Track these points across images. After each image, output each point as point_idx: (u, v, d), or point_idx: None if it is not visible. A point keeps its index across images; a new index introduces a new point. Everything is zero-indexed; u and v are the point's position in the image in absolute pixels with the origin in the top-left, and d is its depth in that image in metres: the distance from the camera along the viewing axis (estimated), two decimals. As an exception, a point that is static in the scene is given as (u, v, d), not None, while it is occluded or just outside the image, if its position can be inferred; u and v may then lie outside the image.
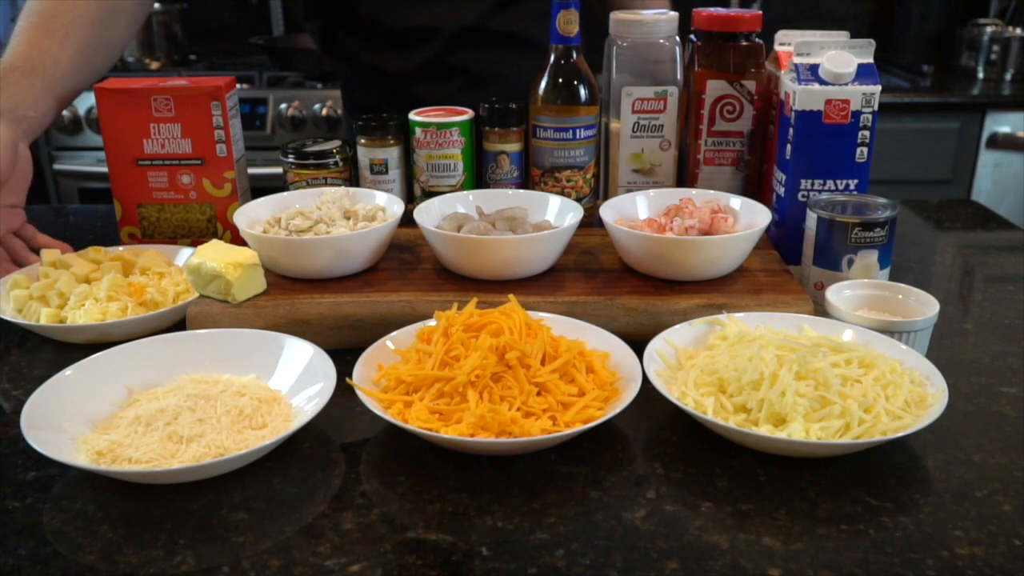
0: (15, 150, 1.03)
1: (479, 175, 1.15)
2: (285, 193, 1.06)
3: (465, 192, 1.07)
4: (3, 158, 1.01)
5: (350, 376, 0.76)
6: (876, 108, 0.95)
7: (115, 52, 1.18)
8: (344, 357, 0.80)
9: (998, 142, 2.48)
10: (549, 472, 0.71)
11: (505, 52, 1.33)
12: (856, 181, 0.98)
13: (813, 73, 0.96)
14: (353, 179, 1.14)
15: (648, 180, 1.11)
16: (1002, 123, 2.47)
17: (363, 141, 1.12)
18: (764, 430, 0.70)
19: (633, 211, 1.03)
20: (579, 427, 0.70)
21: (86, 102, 2.49)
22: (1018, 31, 2.64)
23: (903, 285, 0.89)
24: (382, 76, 1.36)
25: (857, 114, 0.95)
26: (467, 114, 1.11)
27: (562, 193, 1.08)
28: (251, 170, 1.22)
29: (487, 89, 1.30)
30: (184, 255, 1.05)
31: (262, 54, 2.77)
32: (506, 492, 0.69)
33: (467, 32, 1.31)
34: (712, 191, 1.04)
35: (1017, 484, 0.69)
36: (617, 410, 0.72)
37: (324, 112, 2.40)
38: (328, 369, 0.78)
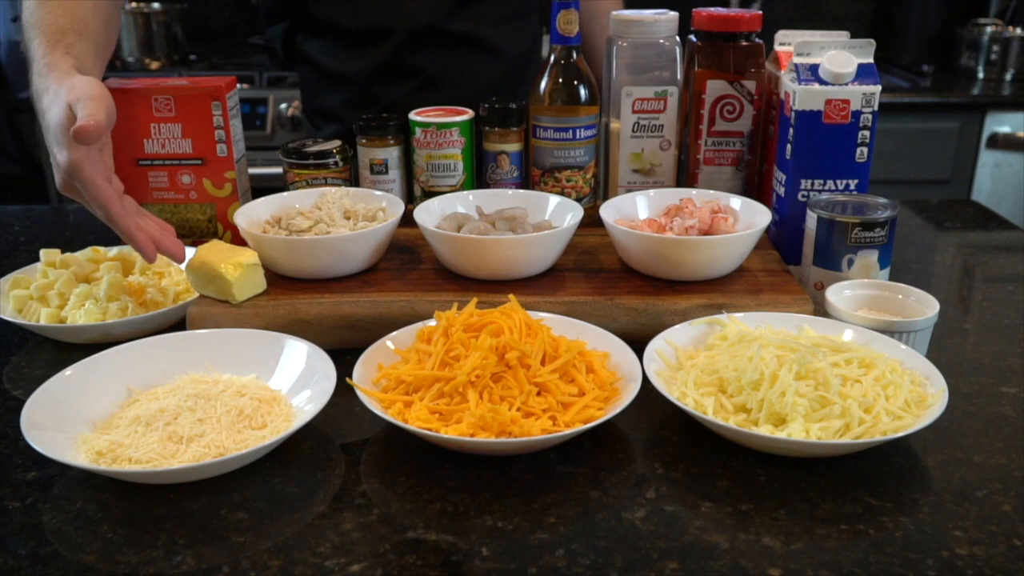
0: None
1: (479, 175, 1.15)
2: (285, 193, 1.06)
3: (465, 192, 1.07)
4: (110, 102, 0.91)
5: (350, 376, 0.76)
6: (876, 108, 0.95)
7: (112, 44, 1.13)
8: (344, 357, 0.80)
9: (998, 142, 2.47)
10: (549, 472, 0.71)
11: (462, 54, 1.31)
12: (856, 181, 0.98)
13: (813, 73, 0.96)
14: (353, 179, 1.14)
15: (648, 180, 1.11)
16: (1002, 123, 2.46)
17: (363, 141, 1.12)
18: (764, 430, 0.70)
19: (633, 211, 1.03)
20: (579, 427, 0.70)
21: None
22: (1018, 31, 2.63)
23: (903, 285, 0.89)
24: (340, 78, 1.35)
25: (857, 114, 0.95)
26: (467, 114, 1.11)
27: (562, 193, 1.08)
28: (251, 170, 1.21)
29: (443, 91, 1.29)
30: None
31: (262, 54, 2.76)
32: (506, 492, 0.69)
33: (423, 32, 1.29)
34: (712, 191, 1.04)
35: (1017, 484, 0.69)
36: (617, 410, 0.72)
37: (324, 112, 2.39)
38: (328, 369, 0.78)
